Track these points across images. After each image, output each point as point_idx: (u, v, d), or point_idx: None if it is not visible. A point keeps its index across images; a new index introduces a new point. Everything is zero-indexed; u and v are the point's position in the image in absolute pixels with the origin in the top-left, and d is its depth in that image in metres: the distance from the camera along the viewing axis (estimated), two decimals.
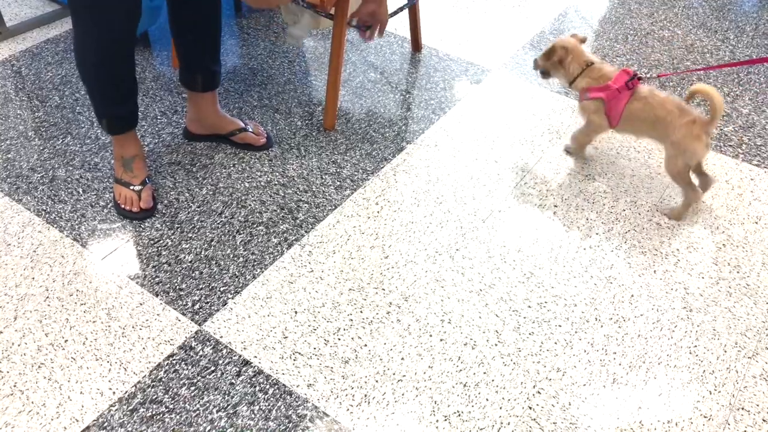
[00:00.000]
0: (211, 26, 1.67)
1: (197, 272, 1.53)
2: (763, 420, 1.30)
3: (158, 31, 2.32)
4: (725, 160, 1.93)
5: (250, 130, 1.87)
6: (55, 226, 1.63)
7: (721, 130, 2.04)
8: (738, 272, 1.59)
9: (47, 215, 1.65)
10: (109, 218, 1.65)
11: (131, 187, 1.65)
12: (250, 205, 1.71)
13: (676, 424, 1.28)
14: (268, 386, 1.31)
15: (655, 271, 1.58)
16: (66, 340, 1.38)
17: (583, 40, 1.77)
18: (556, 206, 1.75)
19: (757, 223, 1.73)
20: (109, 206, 1.68)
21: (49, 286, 1.49)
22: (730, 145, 1.98)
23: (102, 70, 1.51)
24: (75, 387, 1.30)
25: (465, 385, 1.33)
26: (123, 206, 1.65)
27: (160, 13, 2.17)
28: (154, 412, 1.26)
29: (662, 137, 1.66)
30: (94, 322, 1.42)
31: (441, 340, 1.42)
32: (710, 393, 1.34)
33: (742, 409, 1.31)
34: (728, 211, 1.75)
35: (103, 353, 1.36)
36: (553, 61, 1.76)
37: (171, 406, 1.27)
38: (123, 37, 1.46)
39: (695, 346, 1.42)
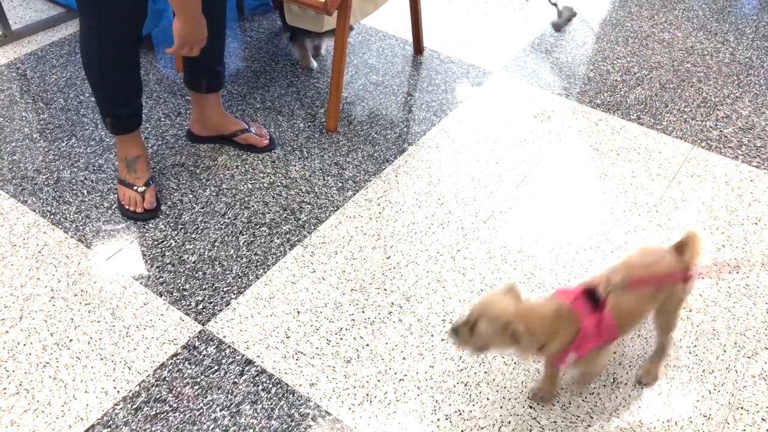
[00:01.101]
0: (217, 28, 1.68)
1: (201, 273, 1.54)
2: (762, 419, 1.30)
3: (161, 34, 2.33)
4: (725, 161, 1.93)
5: (253, 131, 1.88)
6: (59, 227, 1.64)
7: (721, 131, 2.05)
8: (737, 273, 1.60)
9: (52, 216, 1.67)
10: (114, 219, 1.67)
11: (135, 188, 1.67)
12: (253, 206, 1.72)
13: (676, 423, 1.29)
14: (270, 385, 1.32)
15: None
16: (71, 340, 1.39)
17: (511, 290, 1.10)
18: (556, 207, 1.76)
19: (756, 224, 1.74)
20: (113, 207, 1.70)
21: (54, 287, 1.50)
22: (730, 147, 1.99)
23: (107, 68, 1.52)
24: (80, 386, 1.31)
25: (466, 385, 1.34)
26: (127, 207, 1.66)
27: (163, 15, 2.18)
28: (158, 411, 1.27)
29: (665, 302, 1.25)
30: (98, 321, 1.43)
31: (442, 339, 1.43)
32: (710, 392, 1.35)
33: (742, 408, 1.32)
34: (728, 212, 1.76)
35: (107, 353, 1.37)
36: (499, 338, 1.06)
37: (175, 405, 1.28)
38: (128, 35, 1.47)
39: (695, 345, 1.43)
